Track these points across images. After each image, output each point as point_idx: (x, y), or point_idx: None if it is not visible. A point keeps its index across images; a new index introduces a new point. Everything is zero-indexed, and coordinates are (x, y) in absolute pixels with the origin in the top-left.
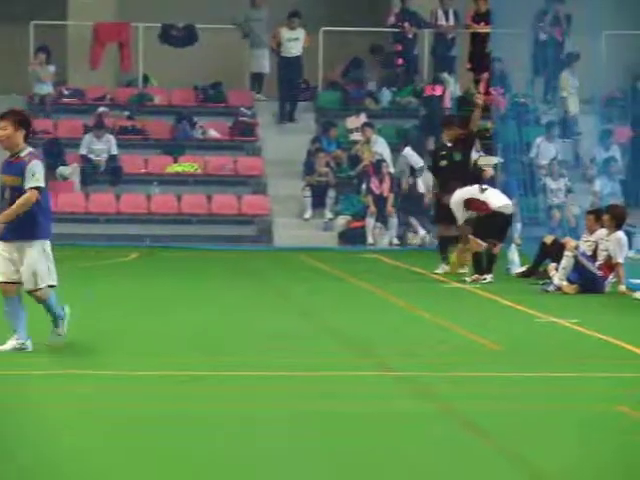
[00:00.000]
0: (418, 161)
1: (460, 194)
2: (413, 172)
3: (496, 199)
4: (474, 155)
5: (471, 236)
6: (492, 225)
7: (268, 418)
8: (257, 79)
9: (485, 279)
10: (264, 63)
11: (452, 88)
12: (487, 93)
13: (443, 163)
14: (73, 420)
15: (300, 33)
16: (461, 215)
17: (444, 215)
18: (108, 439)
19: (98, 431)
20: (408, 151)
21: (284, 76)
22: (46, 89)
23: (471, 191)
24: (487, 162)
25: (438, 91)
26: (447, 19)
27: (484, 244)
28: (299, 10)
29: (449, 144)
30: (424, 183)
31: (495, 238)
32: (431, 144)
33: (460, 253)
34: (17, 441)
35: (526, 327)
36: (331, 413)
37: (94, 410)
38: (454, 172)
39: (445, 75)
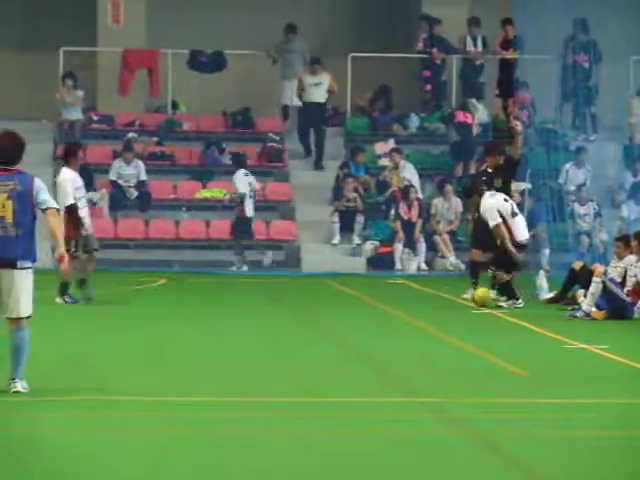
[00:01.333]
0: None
1: (494, 202)
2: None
3: (521, 231)
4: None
5: (497, 273)
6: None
7: (283, 443)
8: (288, 111)
9: (520, 303)
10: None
11: (480, 114)
12: (515, 118)
13: (483, 189)
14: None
15: (323, 78)
16: (495, 217)
17: (480, 240)
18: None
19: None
20: (239, 174)
21: (306, 122)
22: (75, 115)
23: (505, 207)
24: (515, 188)
25: (470, 119)
26: (475, 45)
27: (509, 276)
28: (320, 57)
29: (490, 170)
30: (453, 208)
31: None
32: (460, 170)
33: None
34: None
35: (554, 353)
36: (359, 438)
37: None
38: None
39: (473, 101)
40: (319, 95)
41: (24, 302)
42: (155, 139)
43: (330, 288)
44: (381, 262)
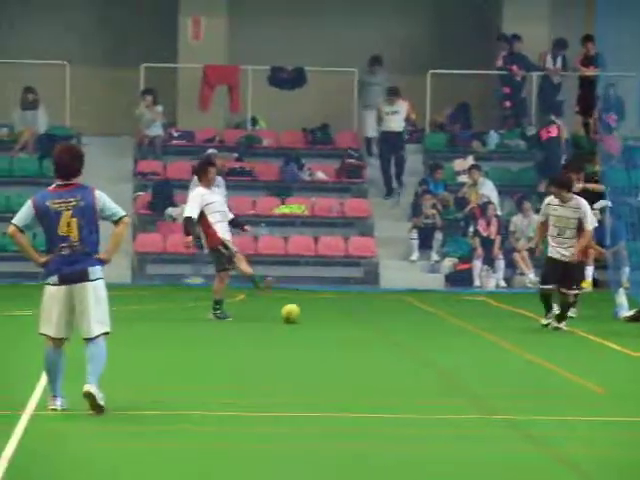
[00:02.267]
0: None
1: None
2: None
3: None
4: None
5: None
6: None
7: (377, 458)
8: (371, 143)
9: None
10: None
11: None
12: (595, 133)
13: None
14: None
15: (400, 106)
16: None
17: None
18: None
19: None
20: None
21: (385, 152)
22: (156, 131)
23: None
24: (595, 206)
25: (554, 132)
26: (555, 63)
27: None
28: (397, 87)
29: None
30: (533, 225)
31: None
32: (543, 187)
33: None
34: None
35: (632, 371)
36: (436, 455)
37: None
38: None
39: (553, 118)
40: (396, 124)
41: (99, 316)
42: (235, 155)
43: (408, 304)
44: (459, 279)
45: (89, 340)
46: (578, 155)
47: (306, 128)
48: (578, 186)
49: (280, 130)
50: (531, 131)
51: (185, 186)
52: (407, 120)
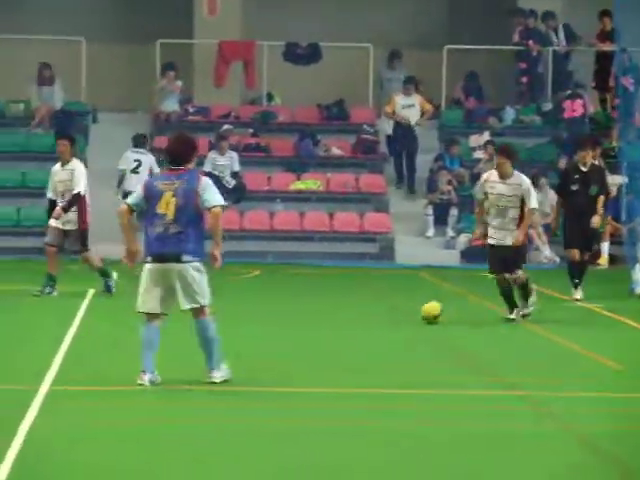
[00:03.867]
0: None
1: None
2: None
3: None
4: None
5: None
6: None
7: (385, 434)
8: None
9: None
10: None
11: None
12: (612, 108)
13: (574, 187)
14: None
15: (415, 99)
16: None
17: (574, 240)
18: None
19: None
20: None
21: (398, 145)
22: (172, 107)
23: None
24: (612, 182)
25: (578, 110)
26: (570, 37)
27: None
28: (415, 75)
29: (583, 168)
30: (548, 200)
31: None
32: (563, 163)
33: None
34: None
35: None
36: (453, 431)
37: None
38: (585, 198)
39: (579, 91)
40: (411, 117)
41: (196, 292)
42: (250, 131)
43: (423, 280)
44: (475, 255)
45: (195, 320)
46: (595, 131)
47: (321, 104)
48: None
49: (295, 106)
50: (547, 107)
51: (201, 162)
52: (422, 113)
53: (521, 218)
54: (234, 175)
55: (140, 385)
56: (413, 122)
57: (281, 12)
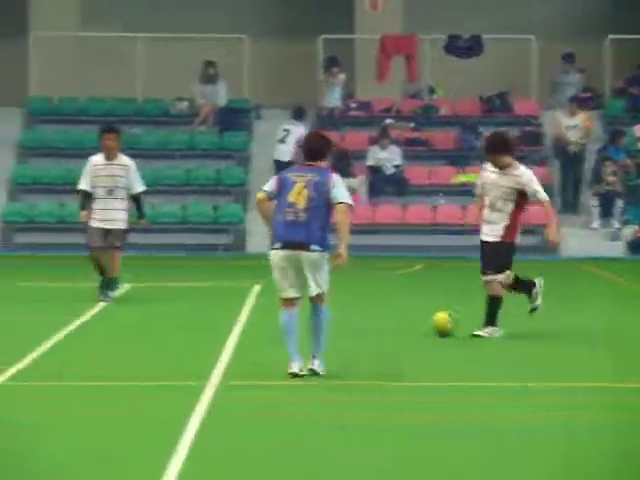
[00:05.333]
0: None
1: None
2: None
3: None
4: None
5: None
6: None
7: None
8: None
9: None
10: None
11: None
12: None
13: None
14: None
15: (579, 119)
16: None
17: None
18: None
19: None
20: None
21: (565, 171)
22: (334, 102)
23: None
24: None
25: None
26: None
27: None
28: (577, 94)
29: None
30: None
31: None
32: None
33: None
34: None
35: None
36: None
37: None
38: None
39: None
40: (575, 138)
41: (318, 280)
42: (412, 125)
43: (587, 272)
44: None
45: (314, 305)
46: None
47: (483, 96)
48: None
49: (457, 99)
50: None
51: (362, 156)
52: (586, 134)
53: None
54: (396, 169)
55: (292, 375)
56: (577, 145)
57: (442, 5)
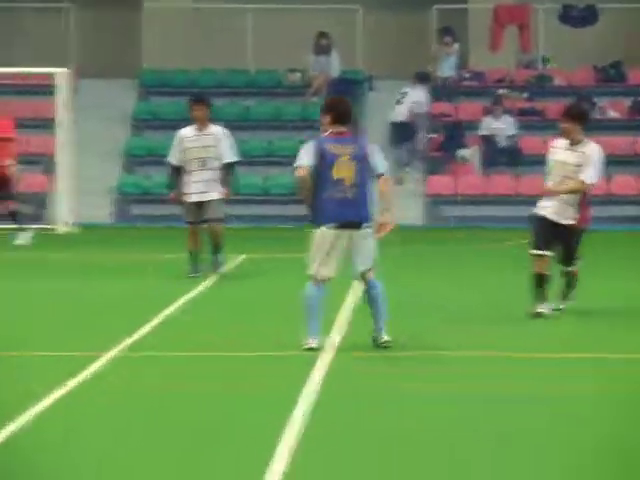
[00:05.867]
0: None
1: None
2: None
3: None
4: None
5: None
6: None
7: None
8: None
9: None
10: None
11: None
12: None
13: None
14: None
15: None
16: None
17: None
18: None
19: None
20: None
21: None
22: (448, 72)
23: None
24: None
25: None
26: None
27: None
28: None
29: None
30: None
31: None
32: None
33: None
34: None
35: None
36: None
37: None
38: None
39: None
40: None
41: (368, 255)
42: (525, 95)
43: None
44: None
45: (368, 280)
46: None
47: (597, 66)
48: None
49: (571, 68)
50: None
51: (476, 127)
52: None
53: None
54: (509, 139)
55: (309, 349)
56: None
57: None
